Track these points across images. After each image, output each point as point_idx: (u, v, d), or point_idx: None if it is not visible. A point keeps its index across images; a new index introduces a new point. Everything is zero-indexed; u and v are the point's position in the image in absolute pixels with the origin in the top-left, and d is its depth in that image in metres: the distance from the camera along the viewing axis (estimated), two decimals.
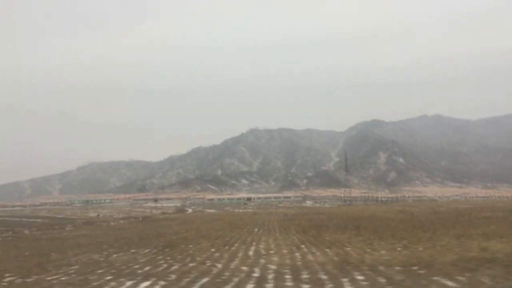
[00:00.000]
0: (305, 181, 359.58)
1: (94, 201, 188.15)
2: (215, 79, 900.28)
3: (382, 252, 18.10)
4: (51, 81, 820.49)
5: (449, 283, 10.80)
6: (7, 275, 14.85)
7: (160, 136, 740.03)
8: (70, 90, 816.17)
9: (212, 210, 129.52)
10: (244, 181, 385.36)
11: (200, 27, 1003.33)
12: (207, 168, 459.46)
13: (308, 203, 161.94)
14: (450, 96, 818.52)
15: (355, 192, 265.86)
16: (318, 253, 18.67)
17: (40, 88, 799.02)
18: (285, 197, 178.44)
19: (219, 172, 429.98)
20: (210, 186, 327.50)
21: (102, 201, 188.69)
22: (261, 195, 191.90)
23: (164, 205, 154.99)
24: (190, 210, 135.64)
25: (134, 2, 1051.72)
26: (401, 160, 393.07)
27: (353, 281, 11.41)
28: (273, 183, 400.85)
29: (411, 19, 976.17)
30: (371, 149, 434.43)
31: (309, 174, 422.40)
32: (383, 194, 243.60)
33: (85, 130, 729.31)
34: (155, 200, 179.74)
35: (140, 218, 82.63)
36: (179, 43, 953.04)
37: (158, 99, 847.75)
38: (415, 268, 12.95)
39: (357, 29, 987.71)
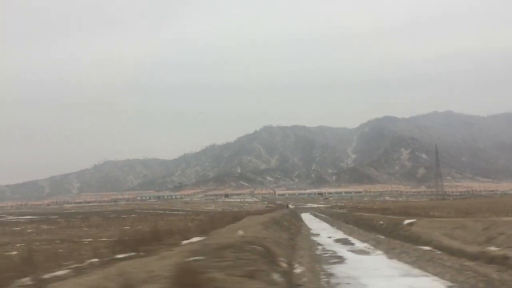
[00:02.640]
0: (334, 177, 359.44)
1: (165, 197, 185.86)
2: (225, 77, 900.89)
3: None
4: (65, 79, 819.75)
5: None
6: None
7: (171, 133, 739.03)
8: (83, 88, 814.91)
9: (313, 205, 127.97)
10: (269, 178, 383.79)
11: (212, 25, 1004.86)
12: (225, 165, 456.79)
13: (388, 198, 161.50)
14: (459, 92, 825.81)
15: (385, 187, 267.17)
16: None
17: (52, 86, 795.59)
18: (356, 192, 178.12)
19: (238, 170, 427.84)
20: (243, 183, 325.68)
21: (173, 197, 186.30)
22: (331, 190, 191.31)
23: (247, 200, 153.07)
24: (290, 205, 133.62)
25: (151, 2, 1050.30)
26: (424, 156, 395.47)
27: None
28: (296, 180, 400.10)
29: (421, 16, 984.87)
30: (390, 146, 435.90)
31: (330, 170, 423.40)
32: (425, 189, 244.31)
33: (98, 128, 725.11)
34: (226, 196, 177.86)
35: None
36: (191, 41, 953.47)
37: (169, 97, 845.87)
38: None
39: (366, 26, 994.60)
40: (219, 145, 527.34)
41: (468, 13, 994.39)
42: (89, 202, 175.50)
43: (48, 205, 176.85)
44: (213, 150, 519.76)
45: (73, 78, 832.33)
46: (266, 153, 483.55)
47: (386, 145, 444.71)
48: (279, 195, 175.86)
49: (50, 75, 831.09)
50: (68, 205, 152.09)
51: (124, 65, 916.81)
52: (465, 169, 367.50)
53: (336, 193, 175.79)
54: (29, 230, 32.63)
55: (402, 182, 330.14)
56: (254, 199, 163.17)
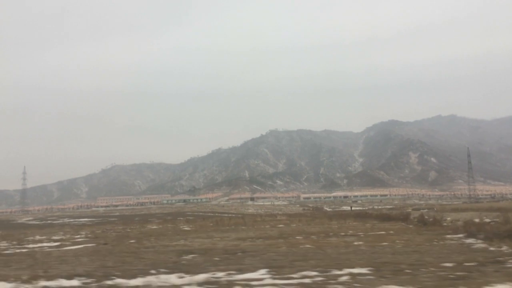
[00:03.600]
0: (345, 181, 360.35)
1: (191, 200, 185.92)
2: (229, 82, 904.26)
3: None
4: (72, 86, 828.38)
5: None
6: None
7: (176, 138, 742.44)
8: (88, 93, 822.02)
9: (348, 207, 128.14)
10: (279, 182, 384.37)
11: (217, 32, 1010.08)
12: (233, 169, 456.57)
13: (416, 201, 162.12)
14: (462, 96, 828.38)
15: (400, 191, 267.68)
16: None
17: (62, 93, 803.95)
18: (382, 195, 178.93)
19: (247, 174, 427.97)
20: (256, 187, 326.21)
21: (199, 200, 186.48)
22: (356, 193, 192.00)
23: (276, 203, 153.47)
24: (328, 209, 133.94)
25: (156, 9, 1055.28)
26: (433, 159, 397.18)
27: None
28: (306, 183, 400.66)
29: (424, 21, 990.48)
30: (398, 149, 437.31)
31: (338, 174, 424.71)
32: (438, 192, 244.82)
33: (106, 133, 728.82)
34: (252, 199, 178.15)
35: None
36: (197, 46, 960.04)
37: (173, 102, 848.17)
38: None
39: (370, 32, 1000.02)
40: (225, 149, 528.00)
41: (469, 19, 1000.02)
42: (116, 205, 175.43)
43: (75, 208, 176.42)
44: (219, 154, 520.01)
45: (78, 84, 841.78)
46: (273, 157, 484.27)
47: (394, 149, 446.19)
48: (305, 198, 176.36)
49: (55, 81, 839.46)
50: (101, 209, 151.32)
51: (128, 72, 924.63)
52: (475, 173, 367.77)
53: (362, 196, 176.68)
54: (186, 228, 32.70)
55: (414, 185, 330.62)
56: (282, 202, 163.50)
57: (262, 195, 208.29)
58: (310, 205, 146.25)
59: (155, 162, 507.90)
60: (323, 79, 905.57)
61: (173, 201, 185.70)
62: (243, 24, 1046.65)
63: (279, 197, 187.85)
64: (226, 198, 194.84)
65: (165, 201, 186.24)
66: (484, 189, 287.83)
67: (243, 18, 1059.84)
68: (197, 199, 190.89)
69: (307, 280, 9.12)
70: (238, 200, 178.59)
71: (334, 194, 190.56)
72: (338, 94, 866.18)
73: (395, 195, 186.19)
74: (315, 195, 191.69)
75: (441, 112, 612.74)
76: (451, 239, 16.69)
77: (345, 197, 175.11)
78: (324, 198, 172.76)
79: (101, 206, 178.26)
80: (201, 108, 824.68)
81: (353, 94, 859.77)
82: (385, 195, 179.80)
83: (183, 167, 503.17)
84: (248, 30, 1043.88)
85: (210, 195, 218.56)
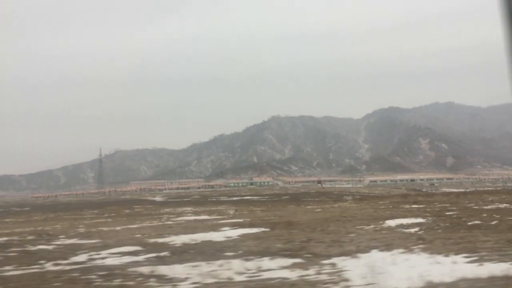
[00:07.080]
0: (364, 166, 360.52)
1: (257, 184, 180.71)
2: (229, 68, 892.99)
3: None
4: (73, 72, 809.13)
5: None
6: None
7: (177, 124, 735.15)
8: (88, 81, 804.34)
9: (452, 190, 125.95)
10: (293, 167, 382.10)
11: (217, 16, 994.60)
12: (240, 155, 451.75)
13: (489, 184, 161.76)
14: (457, 84, 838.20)
15: (427, 175, 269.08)
16: None
17: (67, 79, 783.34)
18: (448, 179, 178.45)
19: (255, 159, 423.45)
20: (280, 172, 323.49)
21: (265, 183, 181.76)
22: (422, 177, 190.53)
23: (357, 185, 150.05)
24: (430, 190, 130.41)
25: None
26: (444, 145, 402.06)
27: None
28: (318, 169, 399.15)
29: (422, 12, 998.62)
30: (406, 135, 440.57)
31: (347, 160, 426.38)
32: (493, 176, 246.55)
33: (107, 119, 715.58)
34: (319, 182, 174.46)
35: None
36: (198, 33, 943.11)
37: (172, 89, 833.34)
38: None
39: (370, 22, 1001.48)
40: (227, 135, 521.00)
41: (465, 10, 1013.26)
42: (187, 187, 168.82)
43: (135, 191, 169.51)
44: (222, 140, 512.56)
45: (80, 71, 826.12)
46: (278, 143, 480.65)
47: (401, 135, 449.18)
48: (371, 181, 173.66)
49: (56, 68, 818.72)
50: (190, 191, 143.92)
51: (128, 59, 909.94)
52: (488, 158, 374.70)
53: (427, 179, 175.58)
54: None
55: (433, 171, 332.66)
56: (358, 185, 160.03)
57: (328, 178, 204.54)
58: (399, 188, 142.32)
59: (157, 147, 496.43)
60: (322, 66, 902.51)
61: (240, 184, 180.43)
62: (243, 10, 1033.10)
63: (342, 181, 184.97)
64: (280, 182, 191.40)
65: (231, 184, 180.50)
66: (508, 174, 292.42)
67: (243, 4, 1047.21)
68: (263, 182, 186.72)
69: None
70: (305, 183, 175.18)
71: (399, 177, 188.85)
72: (337, 81, 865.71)
73: (465, 178, 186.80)
74: (380, 178, 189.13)
75: (438, 99, 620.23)
76: None
77: (412, 180, 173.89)
78: (390, 182, 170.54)
79: (159, 189, 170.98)
80: (200, 94, 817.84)
81: (352, 81, 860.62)
82: (451, 178, 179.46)
83: (186, 152, 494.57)
84: (248, 16, 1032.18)
85: (258, 179, 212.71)
